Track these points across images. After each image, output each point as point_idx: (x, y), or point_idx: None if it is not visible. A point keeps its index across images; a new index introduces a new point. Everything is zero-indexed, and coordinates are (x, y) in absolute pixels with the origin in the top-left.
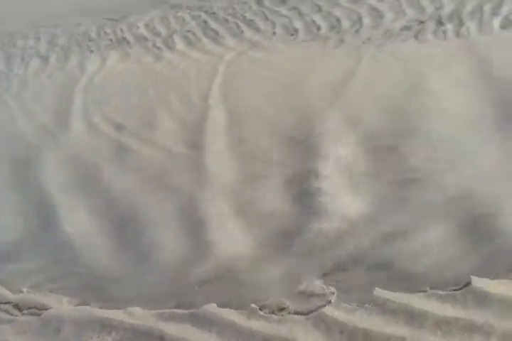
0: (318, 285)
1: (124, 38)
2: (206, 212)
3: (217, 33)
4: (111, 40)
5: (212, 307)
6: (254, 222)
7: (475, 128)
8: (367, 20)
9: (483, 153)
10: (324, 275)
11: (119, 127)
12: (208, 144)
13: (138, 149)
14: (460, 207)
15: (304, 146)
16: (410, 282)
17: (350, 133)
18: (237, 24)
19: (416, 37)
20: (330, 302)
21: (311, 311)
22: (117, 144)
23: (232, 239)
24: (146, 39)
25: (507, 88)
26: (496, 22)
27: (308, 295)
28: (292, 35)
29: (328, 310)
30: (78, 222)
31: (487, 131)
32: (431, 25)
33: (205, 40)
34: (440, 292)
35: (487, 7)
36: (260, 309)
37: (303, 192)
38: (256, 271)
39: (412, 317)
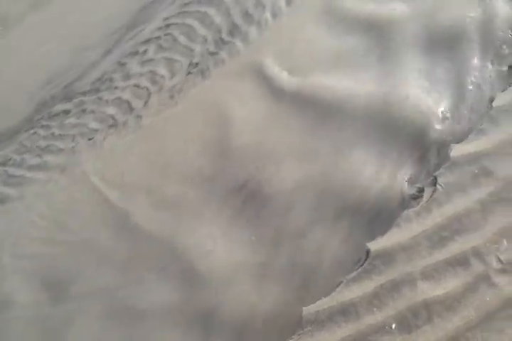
0: None
1: None
2: None
3: (21, 176)
4: None
5: None
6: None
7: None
8: (150, 87)
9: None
10: None
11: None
12: None
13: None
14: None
15: None
16: (322, 286)
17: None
18: (38, 155)
19: (203, 76)
20: None
21: None
22: None
23: None
24: None
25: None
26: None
27: None
28: (91, 138)
29: None
30: None
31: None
32: (207, 60)
33: (10, 191)
34: (353, 274)
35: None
36: None
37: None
38: None
39: (347, 312)
